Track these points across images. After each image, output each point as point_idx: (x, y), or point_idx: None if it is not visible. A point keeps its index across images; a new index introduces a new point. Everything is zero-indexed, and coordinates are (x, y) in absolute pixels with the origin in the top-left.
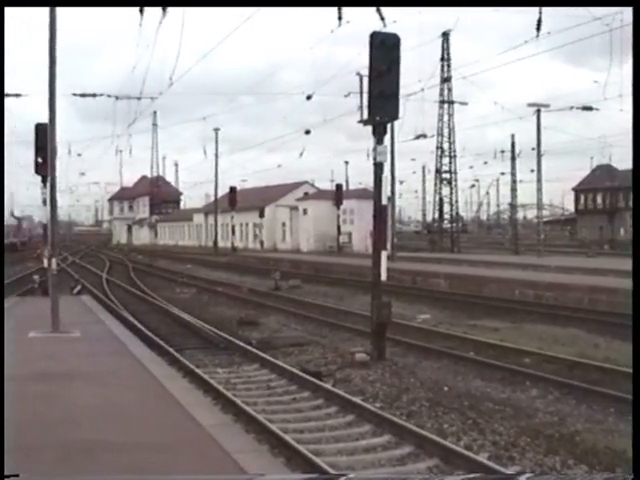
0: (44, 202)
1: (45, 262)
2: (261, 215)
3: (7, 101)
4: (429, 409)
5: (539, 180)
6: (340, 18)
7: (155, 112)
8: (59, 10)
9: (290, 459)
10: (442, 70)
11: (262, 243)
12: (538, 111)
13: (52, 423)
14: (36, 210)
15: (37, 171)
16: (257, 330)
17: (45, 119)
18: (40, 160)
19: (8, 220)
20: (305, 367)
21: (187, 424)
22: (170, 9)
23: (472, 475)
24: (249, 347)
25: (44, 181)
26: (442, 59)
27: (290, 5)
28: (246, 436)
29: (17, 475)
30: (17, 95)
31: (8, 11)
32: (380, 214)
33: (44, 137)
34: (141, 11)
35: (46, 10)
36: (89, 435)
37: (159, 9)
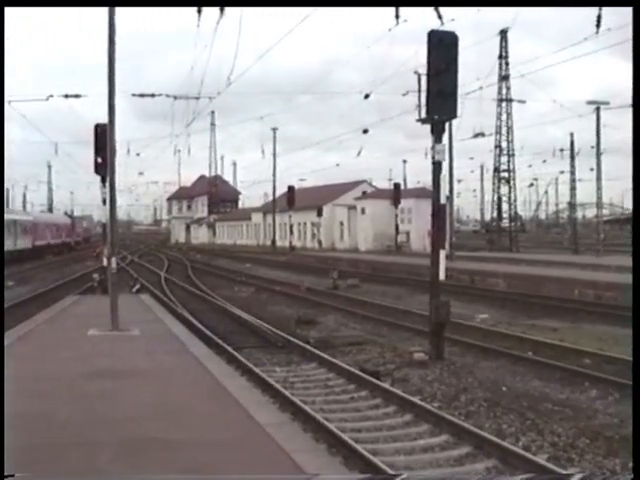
0: (103, 201)
1: (104, 261)
2: (319, 214)
3: (69, 102)
4: (487, 409)
5: (599, 179)
6: (397, 17)
7: (213, 112)
8: (118, 10)
9: (348, 458)
10: (500, 68)
11: (320, 242)
12: (597, 109)
13: (110, 421)
14: (96, 209)
15: (97, 171)
16: (315, 329)
17: (104, 119)
18: (100, 160)
19: (62, 219)
20: (363, 366)
21: (245, 422)
22: (227, 9)
23: (527, 475)
24: (307, 346)
25: (103, 181)
26: (500, 57)
27: (348, 5)
28: (304, 435)
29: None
30: (77, 96)
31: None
32: (438, 213)
33: (103, 137)
34: (199, 11)
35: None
36: (147, 433)
37: (217, 9)
